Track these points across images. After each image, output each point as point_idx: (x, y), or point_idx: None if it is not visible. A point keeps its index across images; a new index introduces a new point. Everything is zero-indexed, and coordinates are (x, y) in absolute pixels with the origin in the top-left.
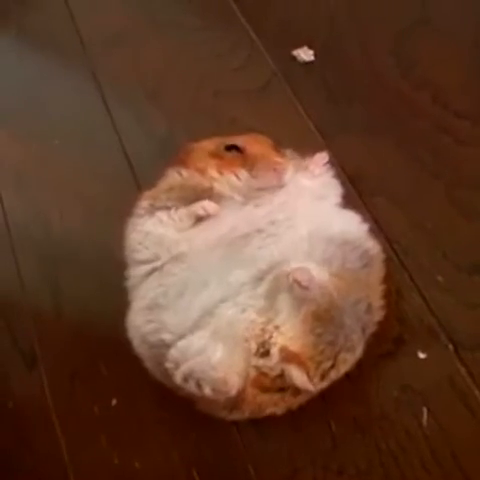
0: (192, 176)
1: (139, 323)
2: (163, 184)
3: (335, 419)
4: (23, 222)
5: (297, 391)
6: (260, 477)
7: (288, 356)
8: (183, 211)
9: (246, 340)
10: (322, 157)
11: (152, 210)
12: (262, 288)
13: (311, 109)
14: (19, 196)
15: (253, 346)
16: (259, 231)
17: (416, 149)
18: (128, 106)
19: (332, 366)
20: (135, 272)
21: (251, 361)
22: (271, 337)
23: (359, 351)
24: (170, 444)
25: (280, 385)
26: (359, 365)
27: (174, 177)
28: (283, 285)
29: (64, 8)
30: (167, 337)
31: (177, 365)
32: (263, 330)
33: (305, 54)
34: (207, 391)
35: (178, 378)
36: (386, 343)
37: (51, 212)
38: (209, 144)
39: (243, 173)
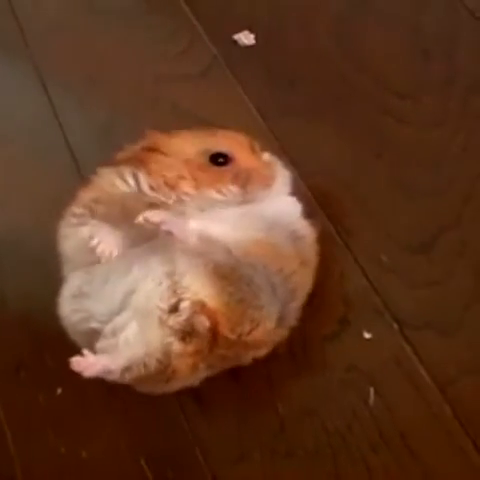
0: (154, 188)
1: (67, 312)
2: (103, 186)
3: (282, 401)
4: None
5: (213, 342)
6: (208, 462)
7: (201, 310)
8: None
9: (161, 309)
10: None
11: (84, 221)
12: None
13: (252, 93)
14: None
15: (165, 307)
16: None
17: (358, 130)
18: (69, 94)
19: (240, 321)
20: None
21: (169, 329)
22: (182, 293)
23: (272, 317)
24: (117, 432)
25: (199, 345)
26: (304, 346)
27: (123, 182)
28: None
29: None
30: (96, 325)
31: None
32: (174, 291)
33: (246, 38)
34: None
35: None
36: (331, 324)
37: None
38: (184, 145)
39: (233, 189)
